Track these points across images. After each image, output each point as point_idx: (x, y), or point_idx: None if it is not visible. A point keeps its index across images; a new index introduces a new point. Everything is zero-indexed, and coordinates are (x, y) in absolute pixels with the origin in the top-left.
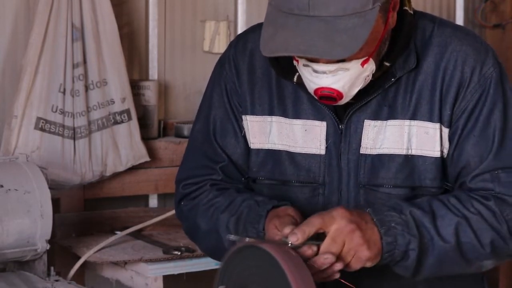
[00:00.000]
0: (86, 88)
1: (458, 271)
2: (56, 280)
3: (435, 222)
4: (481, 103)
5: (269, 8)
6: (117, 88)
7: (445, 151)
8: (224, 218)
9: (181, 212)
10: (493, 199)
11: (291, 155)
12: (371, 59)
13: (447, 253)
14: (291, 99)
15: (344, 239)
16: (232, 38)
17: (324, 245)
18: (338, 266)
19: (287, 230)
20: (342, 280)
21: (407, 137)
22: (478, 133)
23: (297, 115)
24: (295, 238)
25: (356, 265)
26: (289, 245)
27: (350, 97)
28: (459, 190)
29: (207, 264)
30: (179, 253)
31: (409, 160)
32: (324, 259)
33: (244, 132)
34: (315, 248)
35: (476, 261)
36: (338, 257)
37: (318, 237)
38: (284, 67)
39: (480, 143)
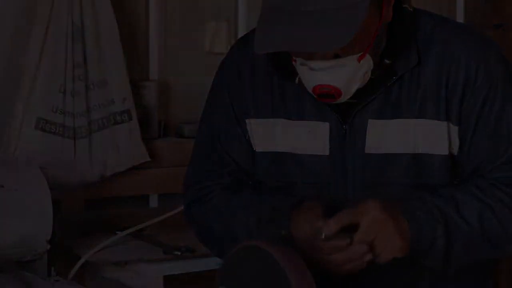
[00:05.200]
0: (87, 88)
1: (485, 257)
2: (57, 281)
3: (458, 208)
4: (491, 99)
5: (262, 7)
6: (118, 88)
7: (455, 148)
8: (243, 218)
9: (191, 216)
10: None
11: (295, 157)
12: (367, 54)
13: (473, 238)
14: (294, 101)
15: (378, 229)
16: (232, 39)
17: (358, 235)
18: (368, 256)
19: (320, 222)
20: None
21: (413, 136)
22: (491, 129)
23: (300, 117)
24: (329, 229)
25: (387, 256)
26: (322, 237)
27: (350, 95)
28: (479, 178)
29: (207, 264)
30: (179, 253)
31: (416, 159)
32: (360, 248)
33: (248, 136)
34: (348, 240)
35: (501, 246)
36: (370, 247)
37: (350, 229)
38: (286, 69)
39: (495, 139)
